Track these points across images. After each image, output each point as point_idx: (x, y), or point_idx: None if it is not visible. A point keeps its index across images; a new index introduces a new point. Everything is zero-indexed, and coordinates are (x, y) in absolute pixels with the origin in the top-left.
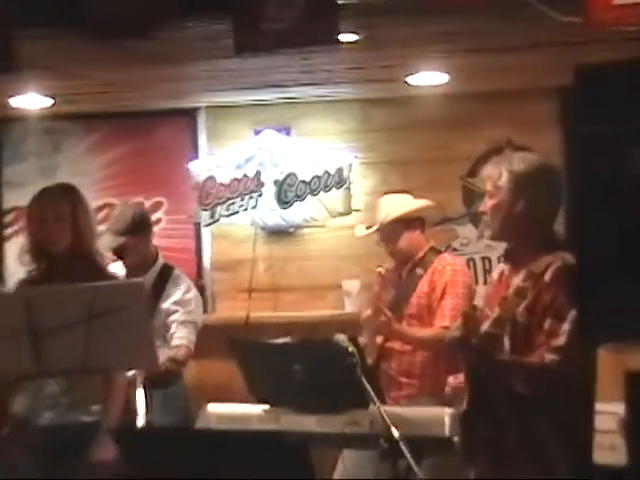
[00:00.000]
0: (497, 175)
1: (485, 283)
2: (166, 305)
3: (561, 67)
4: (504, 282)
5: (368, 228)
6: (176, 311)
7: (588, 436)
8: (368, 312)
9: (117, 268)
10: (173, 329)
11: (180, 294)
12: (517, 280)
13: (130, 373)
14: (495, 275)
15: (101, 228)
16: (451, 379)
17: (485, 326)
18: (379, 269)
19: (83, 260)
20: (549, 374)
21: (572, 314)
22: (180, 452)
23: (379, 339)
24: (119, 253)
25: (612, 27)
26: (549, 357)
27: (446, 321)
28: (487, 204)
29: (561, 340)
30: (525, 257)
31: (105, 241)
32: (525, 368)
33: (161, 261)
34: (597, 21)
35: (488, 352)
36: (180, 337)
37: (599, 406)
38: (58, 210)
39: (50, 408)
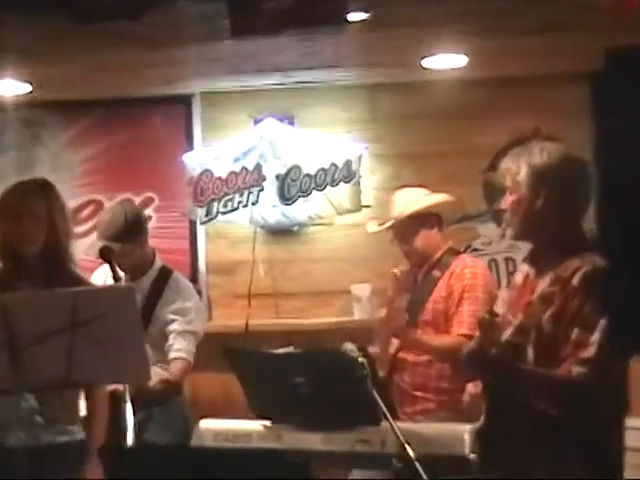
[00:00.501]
0: (516, 169)
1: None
2: (164, 313)
3: (592, 50)
4: (528, 286)
5: (381, 225)
6: (174, 320)
7: (618, 454)
8: (382, 313)
9: (101, 275)
10: (171, 340)
11: (180, 302)
12: (543, 284)
13: (118, 387)
14: (519, 278)
15: (84, 227)
16: (470, 387)
17: (507, 334)
18: (395, 271)
19: (56, 264)
20: (576, 388)
21: (602, 323)
22: (173, 472)
23: (392, 349)
24: (106, 257)
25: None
26: (577, 370)
27: (464, 329)
28: (507, 201)
29: (590, 351)
30: (551, 259)
31: (95, 247)
32: (550, 381)
33: (159, 263)
34: (621, 5)
35: (510, 364)
36: (178, 349)
37: (630, 422)
38: (34, 208)
39: (24, 427)
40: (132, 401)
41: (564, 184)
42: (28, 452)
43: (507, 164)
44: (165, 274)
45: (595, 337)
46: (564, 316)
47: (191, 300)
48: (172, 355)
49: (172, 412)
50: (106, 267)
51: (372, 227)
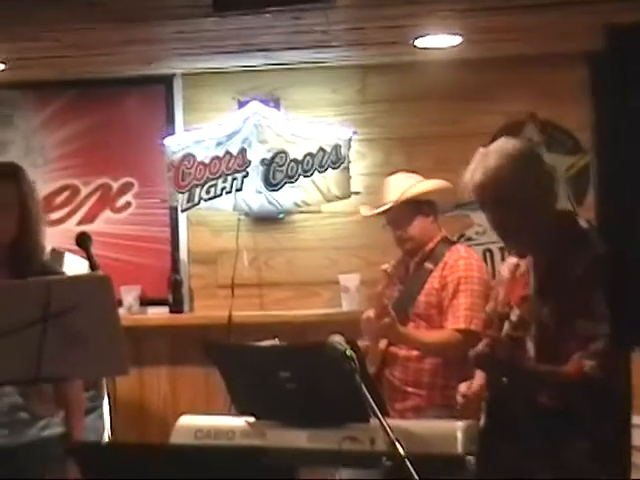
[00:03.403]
0: (473, 184)
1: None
2: None
3: (590, 28)
4: (520, 279)
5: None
6: None
7: (626, 451)
8: (369, 313)
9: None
10: None
11: None
12: (538, 277)
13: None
14: (506, 272)
15: (59, 214)
16: (463, 387)
17: (505, 329)
18: (384, 266)
19: (30, 253)
20: (590, 383)
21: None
22: (151, 471)
23: (382, 344)
24: (83, 244)
25: None
26: (589, 364)
27: (460, 322)
28: (489, 220)
29: (600, 344)
30: (544, 249)
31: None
32: (564, 379)
33: None
34: None
35: (522, 364)
36: None
37: (636, 419)
38: (4, 196)
39: (6, 426)
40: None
41: (521, 183)
42: (12, 449)
43: (465, 180)
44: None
45: (604, 328)
46: (567, 308)
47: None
48: None
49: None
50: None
51: (366, 210)
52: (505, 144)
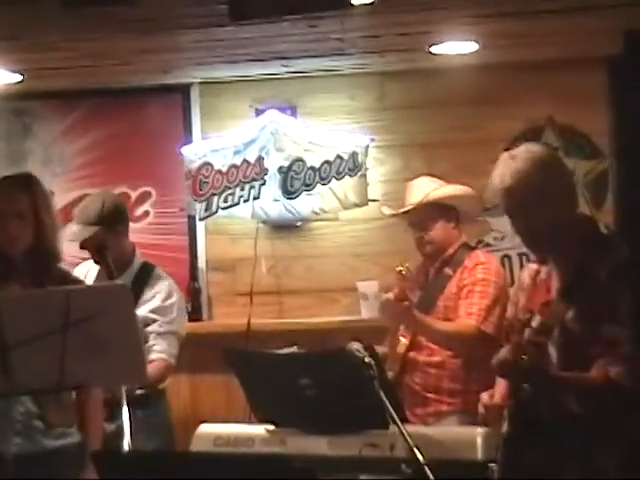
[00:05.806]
0: (505, 185)
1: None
2: (143, 312)
3: (610, 33)
4: (540, 285)
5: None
6: (155, 320)
7: None
8: (389, 295)
9: (84, 269)
10: (151, 341)
11: (159, 301)
12: (559, 281)
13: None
14: (526, 278)
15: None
16: (485, 397)
17: (526, 334)
18: (399, 268)
19: (45, 262)
20: (617, 388)
21: (635, 317)
22: (171, 479)
23: (401, 348)
24: (85, 246)
25: None
26: (614, 369)
27: (472, 320)
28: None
29: (626, 348)
30: (568, 253)
31: (70, 233)
32: (588, 385)
33: (139, 260)
34: None
35: (546, 372)
36: (159, 350)
37: None
38: (18, 207)
39: (22, 433)
40: (128, 404)
41: (548, 186)
42: (27, 458)
43: (493, 185)
44: (146, 271)
45: (630, 333)
46: (592, 312)
47: (172, 298)
48: (152, 356)
49: (154, 416)
50: (86, 264)
51: (388, 210)
52: (530, 148)
